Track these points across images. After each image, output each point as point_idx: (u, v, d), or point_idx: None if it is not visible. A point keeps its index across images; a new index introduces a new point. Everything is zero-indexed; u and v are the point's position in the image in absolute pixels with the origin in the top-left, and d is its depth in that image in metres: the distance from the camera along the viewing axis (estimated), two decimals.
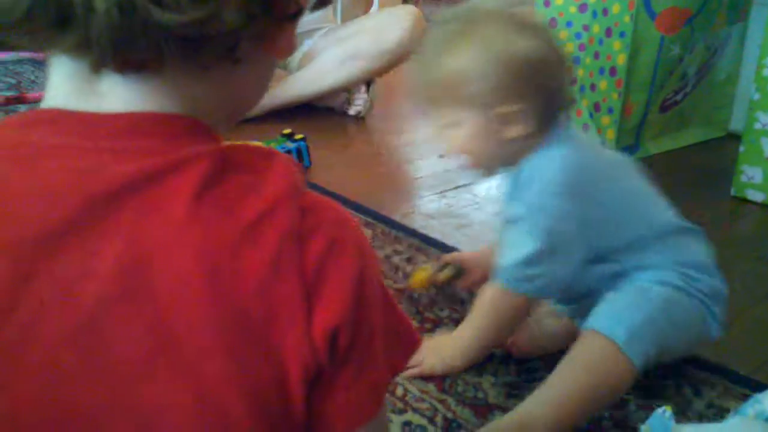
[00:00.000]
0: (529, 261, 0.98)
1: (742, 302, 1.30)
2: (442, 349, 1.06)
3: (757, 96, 1.70)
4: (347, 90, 2.29)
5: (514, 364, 1.10)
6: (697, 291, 1.02)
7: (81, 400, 0.44)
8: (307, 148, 1.82)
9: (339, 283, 0.47)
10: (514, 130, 0.98)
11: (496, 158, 1.03)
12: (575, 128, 1.05)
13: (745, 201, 1.75)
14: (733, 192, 1.76)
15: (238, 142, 0.51)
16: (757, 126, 1.71)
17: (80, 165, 0.45)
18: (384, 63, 2.23)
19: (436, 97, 1.02)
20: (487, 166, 1.06)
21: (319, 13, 2.35)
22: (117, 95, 0.46)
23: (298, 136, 1.82)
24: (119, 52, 0.44)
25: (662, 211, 1.06)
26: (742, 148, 1.74)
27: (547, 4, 2.03)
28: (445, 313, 1.22)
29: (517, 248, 0.99)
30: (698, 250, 1.06)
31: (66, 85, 0.47)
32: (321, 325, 0.46)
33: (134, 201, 0.44)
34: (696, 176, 1.93)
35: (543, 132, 1.00)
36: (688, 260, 1.03)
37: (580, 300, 1.06)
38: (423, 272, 1.25)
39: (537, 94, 0.97)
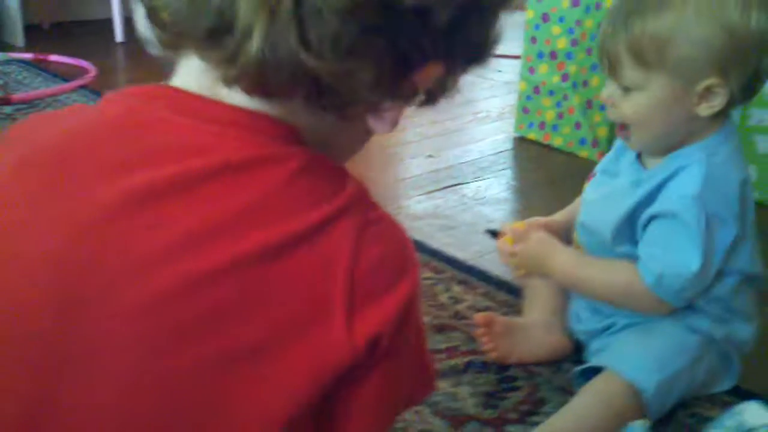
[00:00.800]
0: (693, 276, 0.90)
1: None
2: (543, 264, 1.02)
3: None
4: None
5: (493, 374, 1.07)
6: (730, 343, 0.98)
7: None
8: None
9: (389, 293, 0.48)
10: (707, 108, 0.90)
11: (670, 134, 0.93)
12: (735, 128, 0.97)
13: None
14: None
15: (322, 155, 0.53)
16: (752, 122, 1.67)
17: (194, 141, 0.48)
18: None
19: (629, 53, 0.89)
20: (654, 141, 0.95)
21: None
22: (234, 101, 0.49)
23: None
24: (259, 81, 0.47)
25: (757, 254, 0.99)
26: None
27: None
28: (426, 319, 1.18)
29: (677, 254, 0.90)
30: (750, 300, 1.01)
31: (191, 81, 0.50)
32: (364, 330, 0.46)
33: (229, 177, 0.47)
34: None
35: (725, 115, 0.93)
36: (740, 308, 0.99)
37: (608, 328, 1.02)
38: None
39: (747, 73, 0.89)
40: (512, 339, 1.07)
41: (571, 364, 1.08)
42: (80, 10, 3.38)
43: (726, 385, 1.01)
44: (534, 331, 1.08)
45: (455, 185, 1.75)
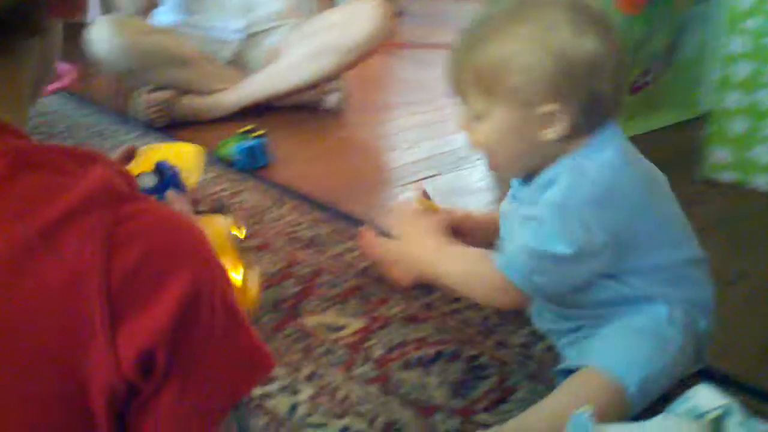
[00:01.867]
0: (553, 258, 0.89)
1: None
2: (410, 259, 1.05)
3: (719, 74, 1.67)
4: (315, 86, 2.25)
5: (463, 363, 1.07)
6: (696, 334, 0.98)
7: None
8: (265, 144, 1.78)
9: (156, 299, 0.43)
10: (551, 133, 0.90)
11: (523, 159, 0.95)
12: (621, 137, 0.95)
13: (714, 183, 1.71)
14: (701, 174, 1.73)
15: (53, 144, 0.47)
16: (723, 105, 1.67)
17: None
18: (353, 58, 2.20)
19: (472, 83, 0.92)
20: (509, 166, 0.97)
21: (278, 10, 2.29)
22: None
23: (259, 132, 1.79)
24: None
25: (688, 241, 0.99)
26: (708, 129, 1.71)
27: None
28: (395, 310, 1.19)
29: (535, 239, 0.90)
30: (707, 286, 1.01)
31: None
32: (130, 346, 0.42)
33: None
34: (667, 159, 1.87)
35: (581, 137, 0.91)
36: (698, 299, 0.99)
37: (577, 330, 1.01)
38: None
39: (585, 97, 0.88)
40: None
41: (542, 352, 1.08)
42: None
43: (695, 368, 1.01)
44: None
45: (433, 176, 1.75)
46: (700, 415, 0.69)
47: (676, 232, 0.98)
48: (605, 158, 0.90)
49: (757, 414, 0.94)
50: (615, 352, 0.91)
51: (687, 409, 0.70)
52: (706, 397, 0.71)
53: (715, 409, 0.69)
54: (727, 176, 1.69)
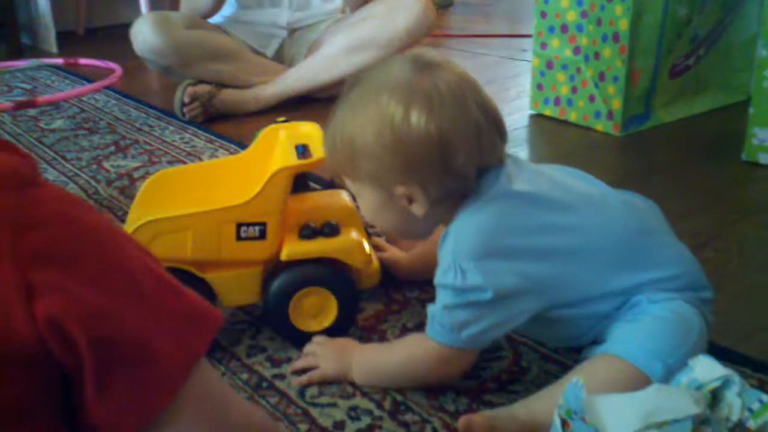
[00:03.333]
0: (469, 306, 0.87)
1: (735, 270, 1.22)
2: (343, 358, 1.00)
3: (765, 53, 1.61)
4: None
5: None
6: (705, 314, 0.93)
7: None
8: None
9: (67, 272, 0.44)
10: (416, 209, 0.90)
11: (408, 230, 0.97)
12: (506, 184, 0.90)
13: (756, 165, 1.65)
14: (744, 157, 1.67)
15: None
16: (766, 85, 1.61)
17: None
18: (393, 51, 2.19)
19: (338, 166, 0.94)
20: (401, 235, 1.00)
21: (325, 9, 2.32)
22: None
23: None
24: None
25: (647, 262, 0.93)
26: (751, 110, 1.65)
27: None
28: (414, 294, 1.18)
29: (441, 293, 0.89)
30: (693, 264, 0.96)
31: None
32: (44, 318, 0.44)
33: None
34: (709, 142, 1.84)
35: (457, 203, 0.90)
36: (695, 283, 0.94)
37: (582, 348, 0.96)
38: None
39: (435, 174, 0.87)
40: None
41: None
42: (113, 15, 3.46)
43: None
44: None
45: None
46: (700, 387, 0.67)
47: (620, 258, 0.92)
48: (489, 210, 0.88)
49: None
50: (638, 341, 0.87)
51: (688, 380, 0.68)
52: (705, 368, 0.68)
53: (714, 380, 0.67)
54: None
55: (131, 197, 1.57)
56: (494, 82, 2.44)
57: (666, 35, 1.84)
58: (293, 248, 1.03)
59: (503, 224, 0.89)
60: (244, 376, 1.01)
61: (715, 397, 0.66)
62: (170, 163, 1.78)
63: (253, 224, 1.02)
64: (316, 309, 1.05)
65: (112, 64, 2.55)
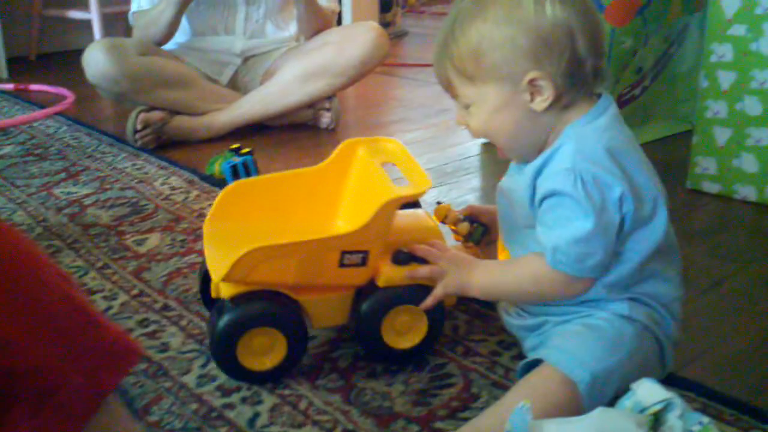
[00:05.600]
0: (586, 239, 0.89)
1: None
2: (465, 273, 1.02)
3: (705, 83, 1.66)
4: (311, 105, 2.27)
5: (427, 372, 1.06)
6: (663, 335, 0.97)
7: None
8: (255, 161, 1.80)
9: None
10: (540, 101, 0.92)
11: (524, 135, 0.95)
12: (613, 106, 0.95)
13: (700, 193, 1.70)
14: (689, 185, 1.71)
15: None
16: (708, 114, 1.66)
17: None
18: (347, 79, 2.22)
19: (455, 75, 0.95)
20: (514, 146, 0.97)
21: (279, 36, 2.34)
22: None
23: (245, 150, 1.80)
24: None
25: (667, 222, 0.97)
26: (695, 139, 1.70)
27: None
28: None
29: (564, 223, 0.90)
30: (678, 287, 1.00)
31: None
32: None
33: None
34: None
35: (574, 107, 0.93)
36: (666, 298, 0.98)
37: (540, 326, 1.00)
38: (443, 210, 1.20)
39: (564, 60, 0.90)
40: None
41: (509, 360, 1.08)
42: (65, 41, 3.43)
43: (659, 375, 0.99)
44: None
45: None
46: (643, 410, 0.69)
47: (663, 210, 0.96)
48: (601, 122, 0.93)
49: (726, 422, 0.94)
50: (568, 348, 0.91)
51: (631, 404, 0.69)
52: (648, 391, 0.70)
53: (656, 403, 0.68)
54: (713, 187, 1.68)
55: (82, 224, 1.55)
56: (447, 111, 2.47)
57: (612, 66, 1.88)
58: (391, 275, 1.04)
59: (619, 130, 0.93)
60: (194, 406, 1.00)
61: (657, 420, 0.68)
62: (122, 190, 1.76)
63: (357, 252, 1.02)
64: (406, 327, 1.06)
65: (64, 91, 2.53)
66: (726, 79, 1.63)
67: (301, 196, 1.17)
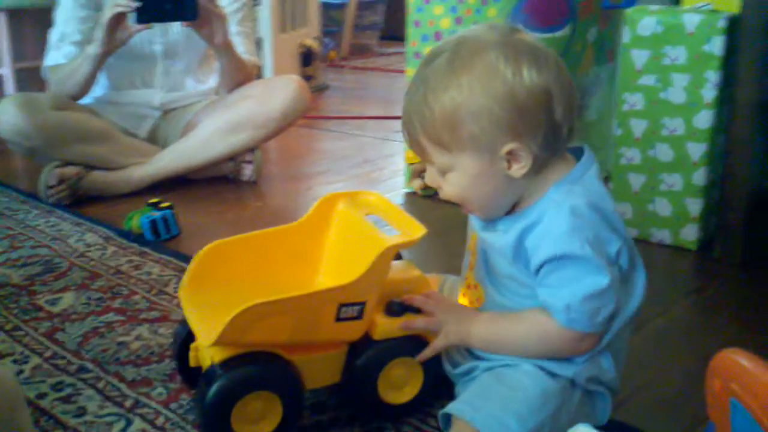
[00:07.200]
0: (600, 294, 0.88)
1: None
2: (463, 322, 0.99)
3: (619, 132, 1.71)
4: (233, 158, 2.24)
5: (359, 427, 1.04)
6: (599, 384, 0.97)
7: None
8: (174, 215, 1.76)
9: None
10: (519, 169, 0.89)
11: (498, 199, 0.93)
12: (595, 165, 0.95)
13: None
14: None
15: None
16: (623, 161, 1.72)
17: None
18: (269, 131, 2.21)
19: (429, 142, 0.91)
20: (487, 209, 0.95)
21: (199, 89, 2.32)
22: None
23: (164, 204, 1.76)
24: None
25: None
26: (611, 185, 1.74)
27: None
28: None
29: (576, 282, 0.88)
30: (625, 344, 1.00)
31: None
32: None
33: None
34: None
35: (553, 166, 0.92)
36: (616, 347, 0.98)
37: (469, 372, 0.99)
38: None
39: (542, 128, 0.88)
40: None
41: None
42: None
43: (599, 421, 0.99)
44: None
45: None
46: None
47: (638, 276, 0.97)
48: (587, 181, 0.92)
49: None
50: (490, 409, 0.89)
51: None
52: None
53: None
54: (630, 231, 1.72)
55: None
56: (370, 162, 2.48)
57: None
58: (387, 327, 1.01)
59: (604, 194, 0.93)
60: None
61: None
62: (34, 248, 1.69)
63: (354, 304, 0.98)
64: (401, 380, 1.03)
65: None
66: (638, 126, 1.69)
67: (280, 255, 1.11)
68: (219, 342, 0.93)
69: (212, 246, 1.10)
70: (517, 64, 0.87)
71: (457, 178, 0.92)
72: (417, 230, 1.01)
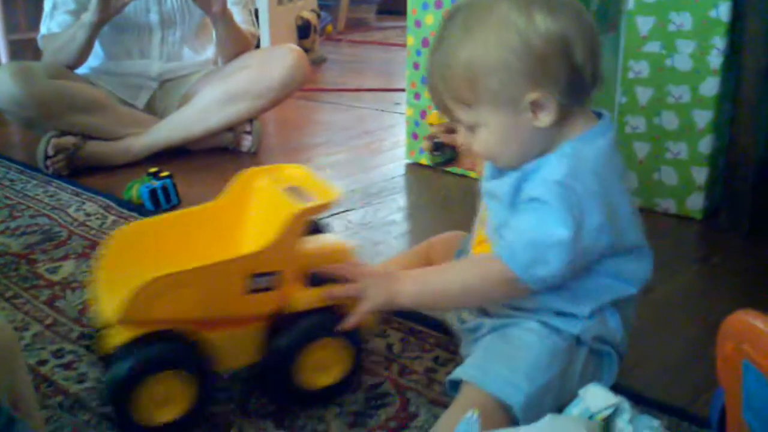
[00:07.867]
0: (556, 245, 0.86)
1: None
2: (390, 284, 0.96)
3: (624, 99, 1.69)
4: (232, 129, 2.22)
5: (363, 392, 1.03)
6: (605, 343, 0.95)
7: None
8: (174, 185, 1.74)
9: None
10: (544, 118, 0.88)
11: (526, 150, 0.91)
12: (612, 127, 0.93)
13: None
14: None
15: None
16: (628, 130, 1.70)
17: None
18: (267, 102, 2.18)
19: (452, 101, 0.91)
20: (514, 161, 0.93)
21: (200, 60, 2.29)
22: None
23: (164, 174, 1.74)
24: None
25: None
26: None
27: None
28: None
29: (537, 227, 0.87)
30: (632, 308, 1.00)
31: None
32: None
33: None
34: None
35: (576, 117, 0.90)
36: (622, 314, 0.97)
37: (477, 328, 0.98)
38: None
39: (563, 75, 0.86)
40: None
41: (444, 376, 1.05)
42: None
43: (605, 384, 0.98)
44: None
45: (341, 212, 1.72)
46: (592, 416, 0.67)
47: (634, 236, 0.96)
48: (599, 145, 0.90)
49: (665, 428, 0.94)
50: (498, 369, 0.88)
51: (579, 411, 0.68)
52: (596, 397, 0.68)
53: (605, 408, 0.67)
54: (636, 200, 1.70)
55: None
56: (370, 133, 2.46)
57: None
58: (306, 297, 0.96)
59: (614, 165, 0.91)
60: None
61: (607, 426, 0.66)
62: (33, 217, 1.67)
63: (266, 274, 0.94)
64: (325, 362, 0.99)
65: None
66: (644, 94, 1.67)
67: (199, 234, 1.08)
68: (126, 319, 0.90)
69: (130, 226, 1.08)
70: (529, 13, 0.86)
71: (485, 134, 0.92)
72: (331, 194, 0.98)
